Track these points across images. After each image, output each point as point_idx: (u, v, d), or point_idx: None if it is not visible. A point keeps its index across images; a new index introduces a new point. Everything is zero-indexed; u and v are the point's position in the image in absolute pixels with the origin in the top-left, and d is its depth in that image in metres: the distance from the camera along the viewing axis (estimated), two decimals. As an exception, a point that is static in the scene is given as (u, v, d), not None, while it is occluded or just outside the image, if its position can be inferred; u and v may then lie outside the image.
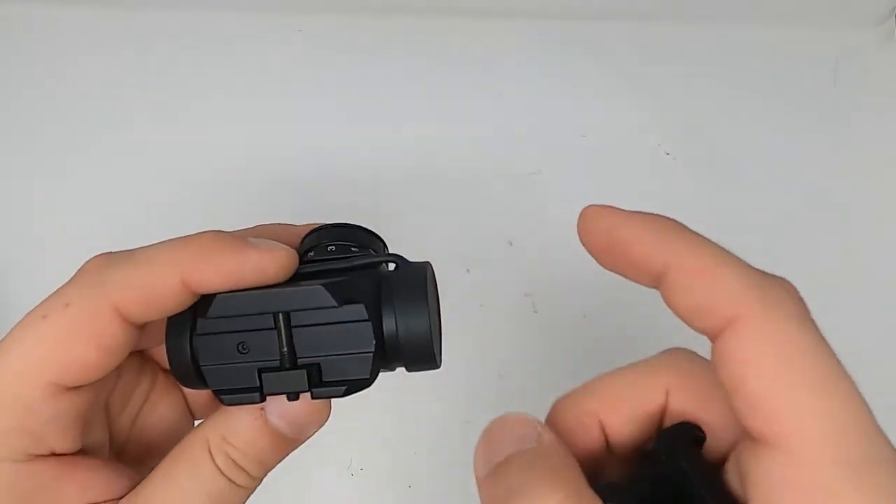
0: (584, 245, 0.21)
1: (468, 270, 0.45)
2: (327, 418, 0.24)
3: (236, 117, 0.48)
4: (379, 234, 0.27)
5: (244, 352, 0.22)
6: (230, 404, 0.23)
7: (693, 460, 0.19)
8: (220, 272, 0.22)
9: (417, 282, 0.23)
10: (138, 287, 0.22)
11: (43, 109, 0.48)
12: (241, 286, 0.22)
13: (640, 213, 0.21)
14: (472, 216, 0.46)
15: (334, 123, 0.48)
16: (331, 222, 0.27)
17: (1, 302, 0.43)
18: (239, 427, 0.23)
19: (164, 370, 0.28)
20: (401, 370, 0.24)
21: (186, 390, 0.28)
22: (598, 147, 0.48)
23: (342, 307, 0.22)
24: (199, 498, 0.22)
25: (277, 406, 0.23)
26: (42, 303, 0.22)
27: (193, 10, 0.50)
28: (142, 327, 0.23)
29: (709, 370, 0.20)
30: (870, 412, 0.18)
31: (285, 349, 0.22)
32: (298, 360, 0.22)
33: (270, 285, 0.23)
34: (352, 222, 0.27)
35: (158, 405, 0.27)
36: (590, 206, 0.21)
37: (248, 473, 0.23)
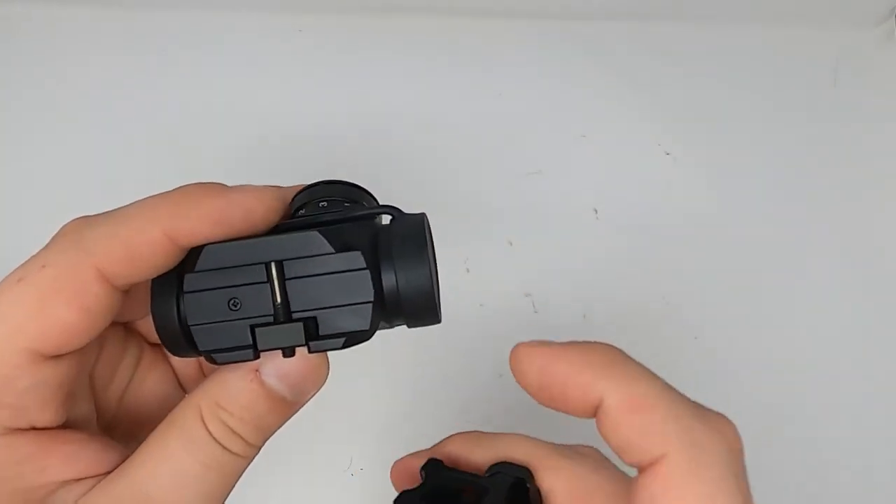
0: (520, 385, 0.22)
1: (468, 270, 0.45)
2: (326, 377, 0.22)
3: (236, 117, 0.48)
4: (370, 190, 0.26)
5: (235, 308, 0.21)
6: (222, 363, 0.21)
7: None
8: (204, 219, 0.21)
9: (416, 233, 0.22)
10: (120, 244, 0.20)
11: (43, 109, 0.48)
12: (229, 234, 0.21)
13: (573, 344, 0.21)
14: (472, 216, 0.46)
15: (334, 123, 0.48)
16: (322, 179, 0.25)
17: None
18: (232, 390, 0.21)
19: (151, 343, 0.27)
20: (400, 329, 0.23)
21: (175, 362, 0.27)
22: (598, 147, 0.48)
23: (339, 254, 0.21)
24: (192, 468, 0.21)
25: (273, 365, 0.21)
26: (18, 267, 0.21)
27: (193, 10, 0.50)
28: (126, 291, 0.22)
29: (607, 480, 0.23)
30: None
31: (279, 302, 0.21)
32: (293, 314, 0.21)
33: (261, 234, 0.22)
34: (343, 179, 0.25)
35: (147, 379, 0.26)
36: (520, 344, 0.22)
37: (244, 440, 0.22)
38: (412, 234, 0.22)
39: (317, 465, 0.41)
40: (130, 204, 0.21)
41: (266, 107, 0.48)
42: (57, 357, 0.21)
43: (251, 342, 0.21)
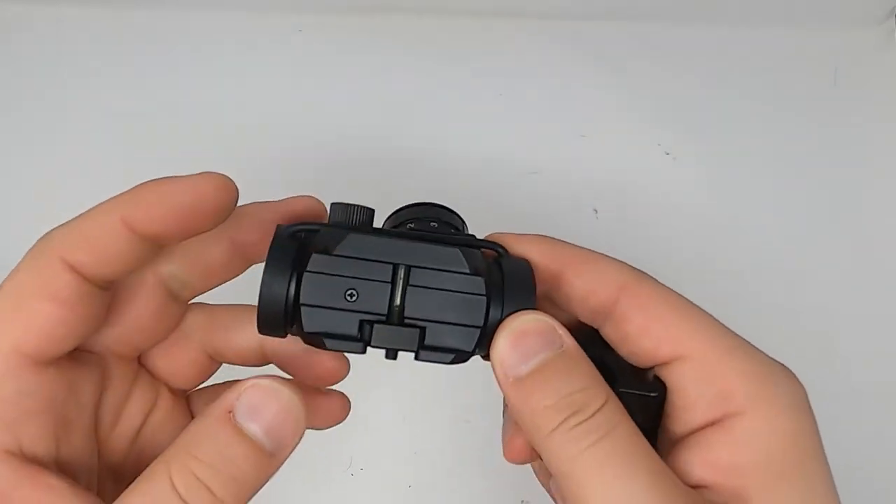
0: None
1: (468, 270, 0.45)
2: (304, 426, 0.21)
3: (236, 117, 0.48)
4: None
5: (350, 299, 0.21)
6: (331, 349, 0.21)
7: (601, 349, 0.23)
8: (155, 204, 0.21)
9: (527, 276, 0.23)
10: (79, 233, 0.21)
11: (43, 109, 0.48)
12: (184, 218, 0.21)
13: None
14: (472, 216, 0.46)
15: (334, 123, 0.48)
16: (427, 201, 0.26)
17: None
18: (204, 436, 0.20)
19: (170, 389, 0.26)
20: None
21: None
22: (598, 147, 0.48)
23: (468, 276, 0.22)
24: None
25: (248, 408, 0.20)
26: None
27: (193, 10, 0.50)
28: (104, 287, 0.22)
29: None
30: (735, 333, 0.22)
31: (397, 304, 0.21)
32: (406, 319, 0.22)
33: (400, 235, 0.22)
34: (446, 205, 0.27)
35: (165, 427, 0.25)
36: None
37: (214, 495, 0.19)
38: (523, 276, 0.23)
39: (317, 465, 0.41)
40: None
41: (266, 106, 0.48)
42: (43, 364, 0.21)
43: (360, 335, 0.21)
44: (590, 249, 0.24)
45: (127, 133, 0.47)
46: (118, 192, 0.22)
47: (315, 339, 0.21)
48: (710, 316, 0.23)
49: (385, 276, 0.21)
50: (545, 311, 0.23)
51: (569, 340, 0.21)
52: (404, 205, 0.26)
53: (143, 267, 0.24)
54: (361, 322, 0.21)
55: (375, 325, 0.21)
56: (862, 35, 0.51)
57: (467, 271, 0.22)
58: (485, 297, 0.22)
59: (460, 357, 0.22)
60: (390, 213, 0.28)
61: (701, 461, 0.21)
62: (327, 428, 0.28)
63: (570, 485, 0.19)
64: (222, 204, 0.22)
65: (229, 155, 0.47)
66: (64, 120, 0.47)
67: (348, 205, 0.23)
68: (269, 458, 0.20)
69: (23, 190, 0.46)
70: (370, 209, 0.24)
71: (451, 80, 0.49)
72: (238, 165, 0.46)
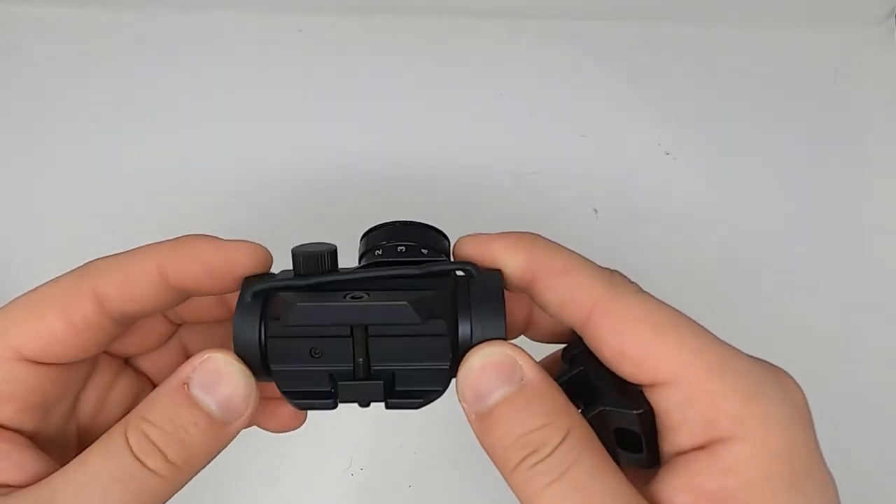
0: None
1: (468, 270, 0.45)
2: (256, 398, 0.22)
3: (236, 117, 0.48)
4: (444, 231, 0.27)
5: (316, 356, 0.22)
6: (302, 409, 0.22)
7: (589, 363, 0.23)
8: (192, 259, 0.23)
9: (495, 300, 0.22)
10: (117, 270, 0.22)
11: (43, 109, 0.48)
12: (215, 278, 0.23)
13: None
14: (472, 216, 0.46)
15: (334, 124, 0.48)
16: (399, 220, 0.26)
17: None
18: (157, 400, 0.21)
19: (153, 383, 0.27)
20: None
21: None
22: (598, 147, 0.48)
23: (423, 323, 0.21)
24: (101, 478, 0.20)
25: (202, 377, 0.21)
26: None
27: (193, 10, 0.50)
28: (124, 324, 0.23)
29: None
30: (723, 345, 0.21)
31: (360, 360, 0.22)
32: (372, 369, 0.22)
33: (348, 290, 0.22)
34: (420, 221, 0.26)
35: None
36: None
37: (164, 455, 0.20)
38: (491, 300, 0.22)
39: (317, 465, 0.41)
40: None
41: (266, 106, 0.48)
42: (36, 363, 0.22)
43: (331, 390, 0.22)
44: (567, 252, 0.23)
45: (126, 133, 0.47)
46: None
47: (288, 398, 0.23)
48: (695, 327, 0.21)
49: (344, 333, 0.22)
50: (535, 313, 0.23)
51: (530, 374, 0.21)
52: (374, 225, 0.26)
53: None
54: (331, 375, 0.22)
55: (340, 384, 0.22)
56: (862, 35, 0.51)
57: (419, 321, 0.21)
58: (447, 337, 0.22)
59: (432, 396, 0.22)
60: (364, 231, 0.27)
61: (685, 487, 0.20)
62: (282, 433, 0.28)
63: None
64: (250, 269, 0.23)
65: (228, 155, 0.47)
66: (64, 120, 0.47)
67: (308, 254, 0.23)
68: (220, 427, 0.21)
69: (22, 191, 0.46)
70: (332, 251, 0.23)
71: (451, 80, 0.49)
72: (237, 165, 0.47)
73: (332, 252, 0.23)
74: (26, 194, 0.46)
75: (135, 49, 0.49)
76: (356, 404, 0.22)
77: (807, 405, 0.21)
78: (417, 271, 0.23)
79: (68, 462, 0.22)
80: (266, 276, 0.24)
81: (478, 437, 0.21)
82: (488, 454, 0.21)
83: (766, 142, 0.48)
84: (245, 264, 0.23)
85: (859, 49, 0.50)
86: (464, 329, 0.22)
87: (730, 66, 0.50)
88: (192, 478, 0.22)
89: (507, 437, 0.20)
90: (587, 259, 0.23)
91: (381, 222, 0.26)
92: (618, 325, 0.21)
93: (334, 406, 0.22)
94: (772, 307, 0.44)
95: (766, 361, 0.22)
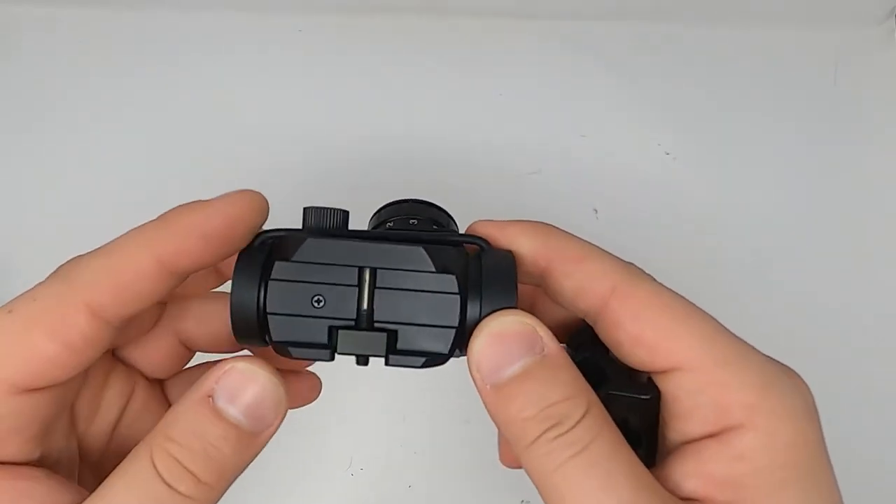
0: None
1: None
2: (286, 405, 0.21)
3: (236, 117, 0.48)
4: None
5: (318, 305, 0.21)
6: (297, 357, 0.21)
7: (596, 350, 0.23)
8: (189, 235, 0.21)
9: (507, 270, 0.22)
10: (109, 276, 0.20)
11: (43, 109, 0.48)
12: (218, 245, 0.21)
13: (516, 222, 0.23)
14: (471, 216, 0.46)
15: (334, 124, 0.48)
16: (411, 198, 0.25)
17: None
18: (182, 418, 0.20)
19: (150, 380, 0.26)
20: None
21: (175, 399, 0.26)
22: (598, 147, 0.48)
23: (436, 274, 0.21)
24: None
25: (227, 390, 0.20)
26: (12, 300, 0.20)
27: (193, 10, 0.50)
28: (119, 326, 0.21)
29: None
30: (736, 338, 0.21)
31: (365, 308, 0.21)
32: (376, 323, 0.21)
33: (362, 236, 0.21)
34: (430, 200, 0.25)
35: (142, 417, 0.25)
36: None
37: (195, 476, 0.19)
38: (503, 271, 0.22)
39: (317, 465, 0.41)
40: (119, 236, 0.21)
41: (266, 106, 0.48)
42: (34, 390, 0.20)
43: (328, 342, 0.21)
44: (582, 242, 0.23)
45: (126, 131, 0.47)
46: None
47: (281, 349, 0.21)
48: (709, 319, 0.21)
49: (351, 280, 0.21)
50: (538, 304, 0.22)
51: (551, 344, 0.20)
52: (386, 203, 0.25)
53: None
54: (330, 328, 0.21)
55: (340, 332, 0.21)
56: (862, 35, 0.51)
57: (432, 270, 0.21)
58: (458, 296, 0.21)
59: (435, 360, 0.21)
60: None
61: (695, 473, 0.20)
62: (297, 408, 0.27)
63: (550, 497, 0.19)
64: (255, 224, 0.22)
65: (228, 155, 0.47)
66: (64, 120, 0.47)
67: (319, 208, 0.22)
68: (251, 439, 0.20)
69: (22, 191, 0.46)
70: (344, 211, 0.23)
71: (451, 80, 0.49)
72: (236, 165, 0.46)
73: (344, 213, 0.23)
74: (26, 194, 0.46)
75: (135, 49, 0.49)
76: (354, 360, 0.21)
77: (814, 403, 0.21)
78: (429, 237, 0.23)
79: (77, 477, 0.21)
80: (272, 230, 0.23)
81: (490, 409, 0.21)
82: (501, 427, 0.20)
83: (766, 142, 0.48)
84: (244, 218, 0.21)
85: (859, 49, 0.50)
86: (474, 298, 0.21)
87: (730, 66, 0.50)
88: (224, 494, 0.20)
89: (528, 408, 0.19)
90: (602, 248, 0.23)
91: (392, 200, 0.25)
92: (636, 311, 0.21)
93: (331, 357, 0.21)
94: (771, 306, 0.44)
95: (775, 359, 0.22)
